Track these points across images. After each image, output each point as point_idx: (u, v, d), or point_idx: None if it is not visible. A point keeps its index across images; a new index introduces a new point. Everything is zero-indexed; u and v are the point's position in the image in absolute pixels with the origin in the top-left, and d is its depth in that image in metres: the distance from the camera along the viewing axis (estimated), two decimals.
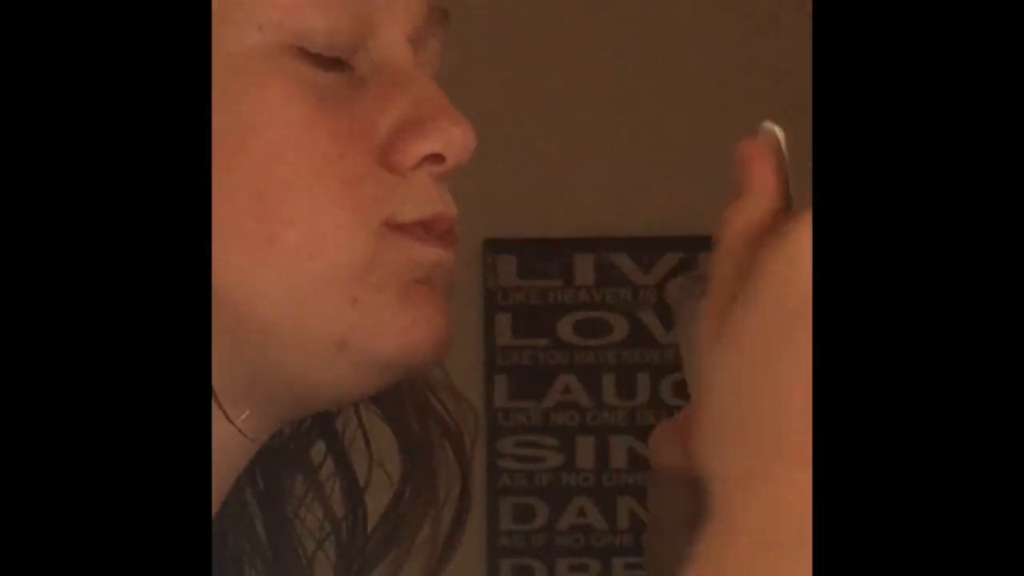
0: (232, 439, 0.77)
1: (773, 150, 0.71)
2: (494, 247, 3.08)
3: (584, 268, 3.11)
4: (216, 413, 0.75)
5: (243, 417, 0.76)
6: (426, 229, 0.76)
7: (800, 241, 0.62)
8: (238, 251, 0.76)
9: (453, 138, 0.77)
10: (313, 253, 0.75)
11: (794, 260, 0.63)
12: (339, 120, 0.77)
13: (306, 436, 0.90)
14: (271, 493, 0.90)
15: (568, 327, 3.13)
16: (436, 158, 0.76)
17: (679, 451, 0.69)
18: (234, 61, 0.76)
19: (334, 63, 0.77)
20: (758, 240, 0.65)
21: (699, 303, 0.70)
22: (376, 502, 0.90)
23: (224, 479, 0.79)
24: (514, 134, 2.96)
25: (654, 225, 3.01)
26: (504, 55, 3.13)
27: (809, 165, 0.64)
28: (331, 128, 0.76)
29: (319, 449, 0.90)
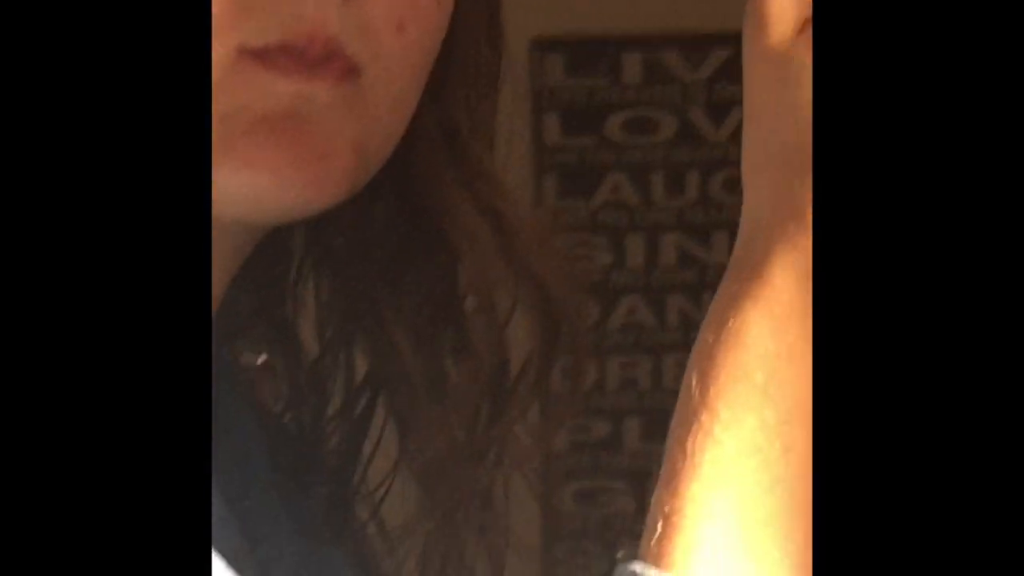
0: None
1: None
2: (541, 46, 3.06)
3: (632, 66, 3.12)
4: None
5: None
6: (287, 54, 0.70)
7: None
8: None
9: None
10: None
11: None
12: None
13: None
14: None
15: (616, 126, 3.14)
16: None
17: None
18: None
19: None
20: None
21: None
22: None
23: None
24: None
25: (703, 21, 2.99)
26: None
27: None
28: None
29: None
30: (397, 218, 0.83)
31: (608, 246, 3.03)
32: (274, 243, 0.84)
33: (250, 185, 0.70)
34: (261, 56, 0.69)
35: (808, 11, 0.62)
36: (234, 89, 0.69)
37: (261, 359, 0.88)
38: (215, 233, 0.67)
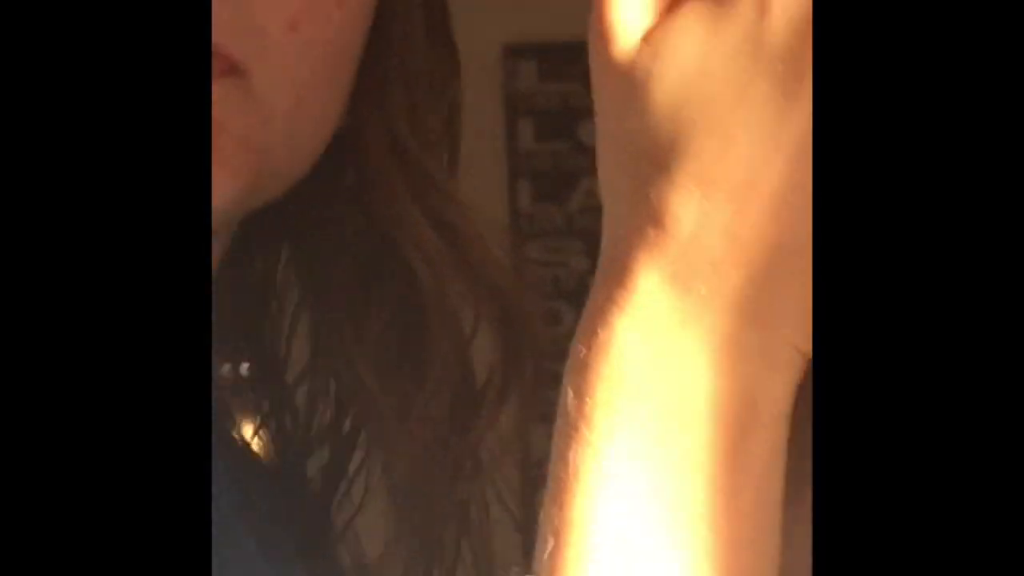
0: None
1: None
2: (514, 52, 3.11)
3: None
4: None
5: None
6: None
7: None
8: None
9: None
10: None
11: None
12: None
13: None
14: None
15: (590, 130, 3.17)
16: None
17: None
18: None
19: None
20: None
21: None
22: None
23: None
24: None
25: None
26: None
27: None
28: None
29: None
30: (361, 237, 0.85)
31: (584, 251, 3.06)
32: (257, 254, 0.87)
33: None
34: None
35: (651, 20, 0.64)
36: None
37: (244, 369, 0.91)
38: None
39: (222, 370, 0.92)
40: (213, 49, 0.72)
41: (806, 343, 0.61)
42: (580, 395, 0.61)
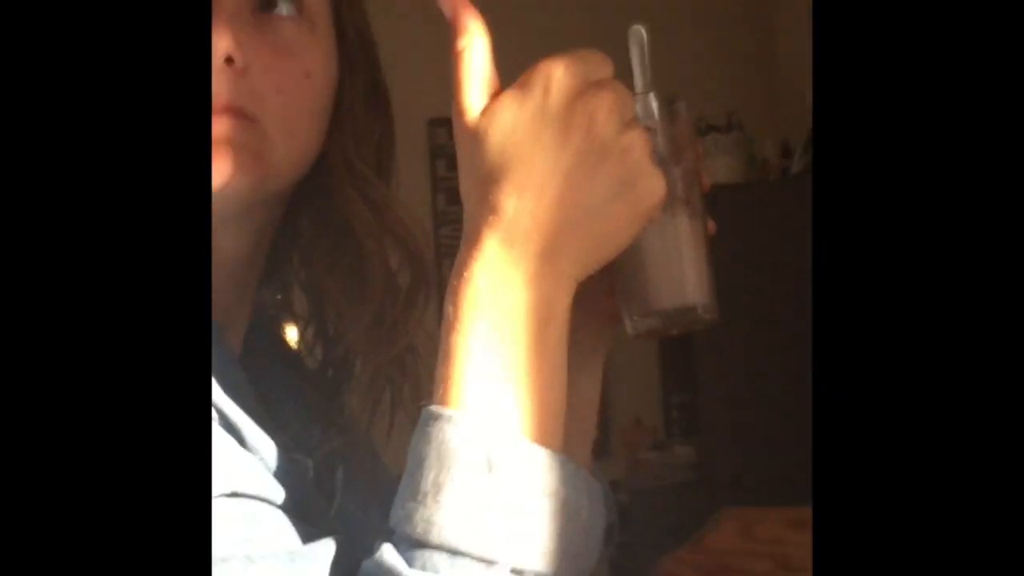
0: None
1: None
2: (436, 123, 3.82)
3: None
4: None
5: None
6: (219, 110, 0.82)
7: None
8: None
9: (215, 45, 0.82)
10: None
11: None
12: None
13: None
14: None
15: None
16: (228, 60, 0.82)
17: None
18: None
19: None
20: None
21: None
22: None
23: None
24: None
25: None
26: None
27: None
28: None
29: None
30: (326, 219, 0.95)
31: None
32: (284, 229, 0.96)
33: (215, 178, 0.82)
34: (215, 112, 0.81)
35: (485, 101, 0.75)
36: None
37: (278, 297, 1.01)
38: (231, 228, 0.86)
39: (275, 298, 1.02)
40: (231, 105, 0.82)
41: (579, 272, 0.75)
42: (455, 306, 0.74)
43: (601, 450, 0.93)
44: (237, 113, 0.82)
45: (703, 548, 1.82)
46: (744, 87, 4.18)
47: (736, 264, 3.38)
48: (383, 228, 0.90)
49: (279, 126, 0.84)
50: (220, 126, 0.81)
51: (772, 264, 3.47)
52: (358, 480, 0.92)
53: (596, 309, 0.84)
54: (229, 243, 0.87)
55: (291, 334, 1.01)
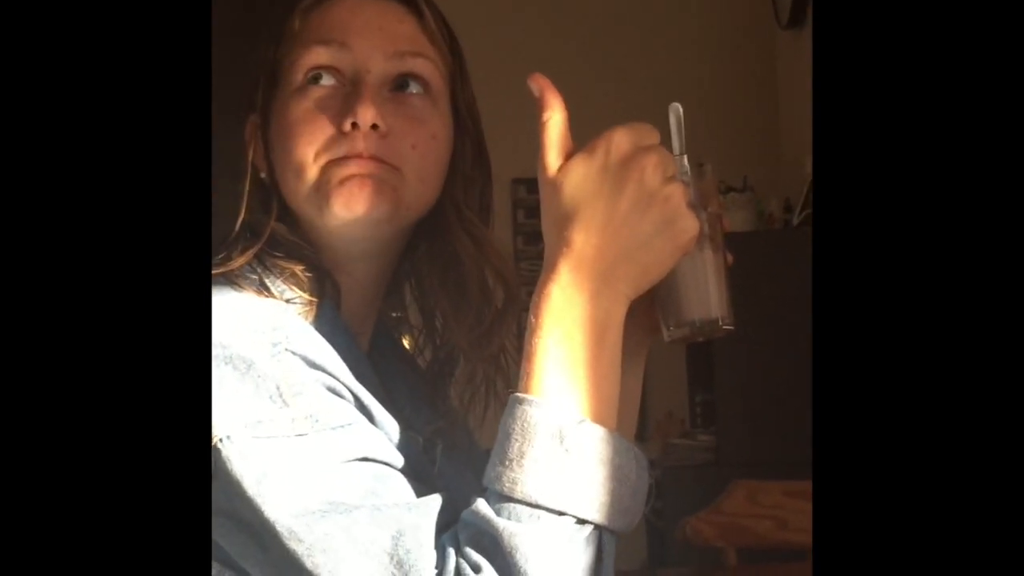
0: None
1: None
2: (517, 181, 3.85)
3: None
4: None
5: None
6: (347, 159, 0.84)
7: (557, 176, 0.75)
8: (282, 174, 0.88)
9: (361, 115, 0.84)
10: (300, 173, 0.86)
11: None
12: (324, 111, 0.86)
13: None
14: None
15: None
16: (354, 124, 0.84)
17: None
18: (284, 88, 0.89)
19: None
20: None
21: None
22: None
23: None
24: None
25: None
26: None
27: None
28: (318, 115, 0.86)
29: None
30: (438, 251, 0.94)
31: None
32: (405, 259, 0.96)
33: (344, 209, 0.85)
34: (339, 160, 0.85)
35: (562, 160, 0.76)
36: (330, 171, 0.85)
37: (396, 315, 1.02)
38: (363, 253, 0.88)
39: (395, 316, 1.01)
40: (376, 156, 0.84)
41: (631, 291, 0.75)
42: (536, 316, 0.74)
43: (640, 436, 0.94)
44: (381, 161, 0.85)
45: (719, 511, 1.86)
46: (755, 156, 4.18)
47: (749, 292, 3.44)
48: (482, 258, 0.90)
49: (414, 174, 0.86)
50: (366, 166, 0.84)
51: (776, 293, 3.47)
52: (455, 452, 0.93)
53: (640, 321, 0.84)
54: (363, 266, 0.90)
55: (407, 341, 1.02)
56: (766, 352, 3.47)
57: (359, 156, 0.84)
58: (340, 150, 0.84)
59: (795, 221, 3.90)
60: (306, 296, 0.83)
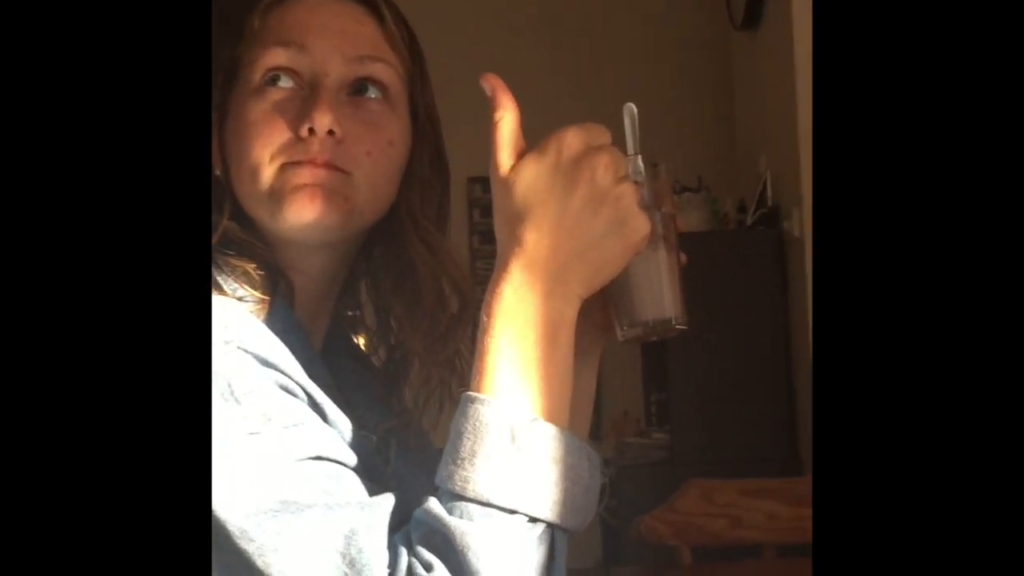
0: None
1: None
2: (474, 180, 3.83)
3: None
4: None
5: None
6: (308, 163, 0.84)
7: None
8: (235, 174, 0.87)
9: (318, 121, 0.84)
10: (255, 175, 0.86)
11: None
12: (281, 115, 0.86)
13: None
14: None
15: None
16: (311, 129, 0.85)
17: None
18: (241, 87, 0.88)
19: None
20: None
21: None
22: None
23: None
24: None
25: None
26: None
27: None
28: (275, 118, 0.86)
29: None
30: (393, 255, 0.93)
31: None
32: (359, 264, 0.96)
33: (296, 216, 0.85)
34: (294, 165, 0.85)
35: (514, 160, 0.75)
36: (284, 175, 0.85)
37: (351, 313, 1.01)
38: (317, 254, 0.88)
39: (350, 314, 1.01)
40: (330, 163, 0.85)
41: (583, 291, 0.76)
42: (488, 315, 0.74)
43: (595, 435, 0.93)
44: (334, 168, 0.84)
45: (673, 510, 1.86)
46: (709, 157, 4.20)
47: (703, 292, 3.47)
48: (438, 266, 0.90)
49: (366, 180, 0.86)
50: (318, 175, 0.84)
51: (731, 293, 3.50)
52: (409, 451, 0.92)
53: (593, 320, 0.85)
54: (317, 265, 0.90)
55: (362, 340, 1.01)
56: (721, 351, 3.51)
57: (312, 162, 0.84)
58: (295, 154, 0.84)
59: (749, 221, 3.95)
60: (258, 294, 0.83)
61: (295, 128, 0.84)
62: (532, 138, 0.76)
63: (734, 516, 1.85)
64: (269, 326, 0.80)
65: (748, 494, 1.87)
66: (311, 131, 0.84)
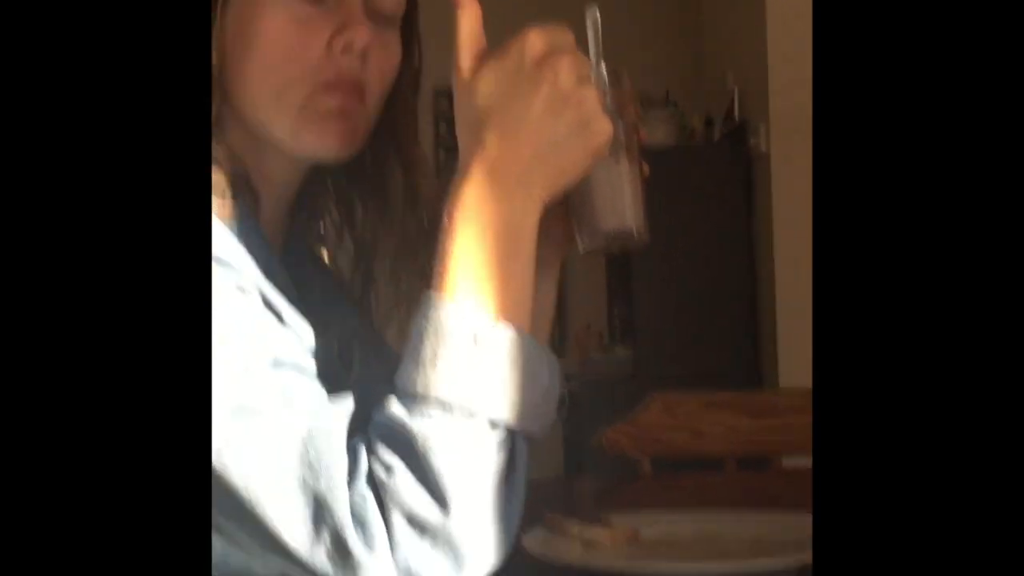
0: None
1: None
2: (439, 92, 3.47)
3: None
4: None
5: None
6: (339, 84, 0.84)
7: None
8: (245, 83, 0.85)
9: (357, 39, 0.84)
10: (281, 93, 0.85)
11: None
12: (309, 26, 0.85)
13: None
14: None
15: None
16: (347, 47, 0.85)
17: None
18: None
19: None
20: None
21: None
22: None
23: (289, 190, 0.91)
24: None
25: None
26: None
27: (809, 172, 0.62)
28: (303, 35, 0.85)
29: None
30: (379, 164, 0.94)
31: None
32: (318, 185, 0.97)
33: (319, 141, 0.86)
34: (327, 85, 0.85)
35: (475, 65, 0.76)
36: (316, 98, 0.85)
37: (323, 230, 1.00)
38: (290, 164, 0.88)
39: (311, 218, 0.99)
40: (356, 81, 0.84)
41: (545, 195, 0.76)
42: (449, 218, 0.75)
43: (559, 351, 0.92)
44: (356, 90, 0.84)
45: (636, 424, 1.87)
46: (677, 74, 4.18)
47: (669, 207, 3.48)
48: (411, 181, 0.92)
49: (373, 105, 0.86)
50: (348, 102, 0.83)
51: (697, 208, 3.52)
52: (372, 359, 0.91)
53: (554, 231, 0.84)
54: (287, 174, 0.89)
55: (324, 254, 1.01)
56: (682, 266, 3.54)
57: (340, 85, 0.83)
58: (326, 72, 0.83)
59: (715, 136, 3.95)
60: (218, 198, 0.80)
61: (328, 43, 0.83)
62: (495, 41, 0.75)
63: (696, 429, 1.84)
64: (231, 230, 0.79)
65: (711, 407, 1.88)
66: (345, 48, 0.83)
